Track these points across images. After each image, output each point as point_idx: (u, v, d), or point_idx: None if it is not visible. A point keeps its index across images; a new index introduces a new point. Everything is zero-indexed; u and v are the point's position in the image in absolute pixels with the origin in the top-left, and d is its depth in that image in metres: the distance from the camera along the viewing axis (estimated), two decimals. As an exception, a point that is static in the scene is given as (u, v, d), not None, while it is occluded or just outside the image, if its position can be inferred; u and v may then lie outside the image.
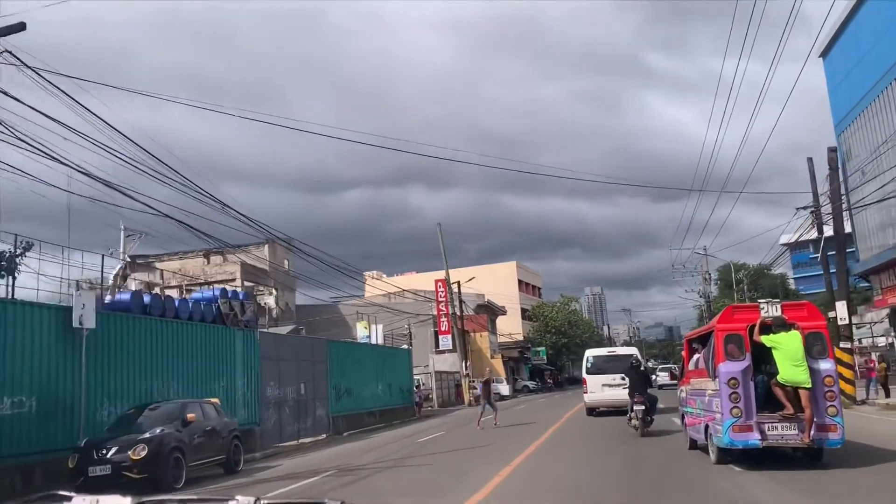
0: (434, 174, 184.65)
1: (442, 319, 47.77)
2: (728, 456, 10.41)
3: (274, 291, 44.19)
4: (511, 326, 73.40)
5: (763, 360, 10.25)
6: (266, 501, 1.75)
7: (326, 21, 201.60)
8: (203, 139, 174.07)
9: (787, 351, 9.71)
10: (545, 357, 70.49)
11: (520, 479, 11.04)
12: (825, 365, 9.89)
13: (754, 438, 9.71)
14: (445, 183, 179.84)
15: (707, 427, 10.91)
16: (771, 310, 10.20)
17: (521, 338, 73.97)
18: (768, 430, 9.75)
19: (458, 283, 44.59)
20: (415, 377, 39.07)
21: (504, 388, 53.80)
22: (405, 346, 36.32)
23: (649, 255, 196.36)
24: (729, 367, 9.93)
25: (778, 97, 24.40)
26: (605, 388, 23.13)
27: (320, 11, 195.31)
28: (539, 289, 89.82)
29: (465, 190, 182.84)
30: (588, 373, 23.95)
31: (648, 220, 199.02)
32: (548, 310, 75.09)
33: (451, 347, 47.54)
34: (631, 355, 20.98)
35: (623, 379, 19.27)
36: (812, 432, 9.52)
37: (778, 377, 9.80)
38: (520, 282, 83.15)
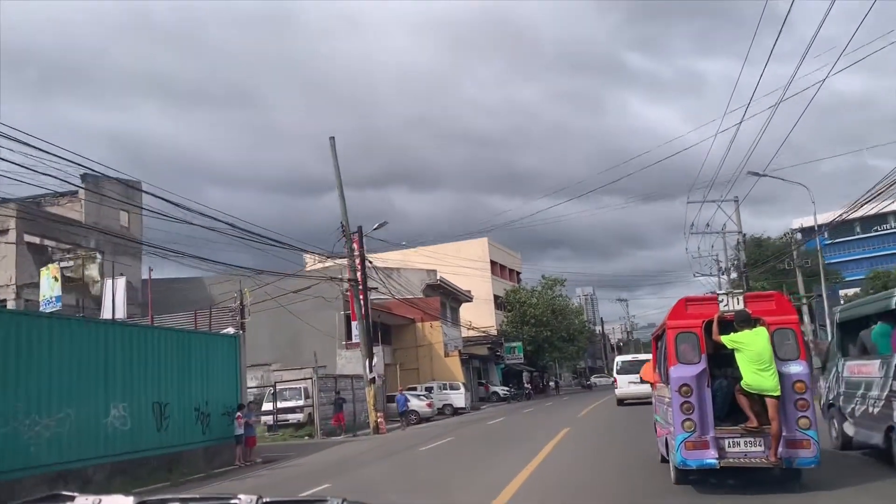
0: (417, 176, 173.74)
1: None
2: (689, 476, 8.87)
3: (98, 256, 29.46)
4: (482, 317, 58.45)
5: (726, 362, 8.82)
6: (268, 499, 1.72)
7: (300, 21, 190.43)
8: (179, 140, 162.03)
9: (751, 352, 8.31)
10: (522, 354, 55.54)
11: None
12: (796, 368, 8.40)
13: (710, 457, 8.35)
14: (430, 184, 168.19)
15: (666, 441, 9.53)
16: (732, 303, 8.82)
17: (495, 331, 58.99)
18: (728, 446, 8.42)
19: (360, 231, 28.64)
20: (295, 386, 24.08)
21: (458, 398, 38.85)
22: (230, 331, 21.15)
23: (638, 256, 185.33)
24: (680, 372, 8.56)
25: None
26: (630, 385, 28.68)
27: (294, 12, 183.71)
28: (518, 273, 74.83)
29: (449, 191, 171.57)
30: (618, 373, 31.44)
31: (637, 222, 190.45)
32: (525, 295, 60.10)
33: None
34: (649, 361, 22.77)
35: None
36: (780, 449, 8.14)
37: (741, 383, 8.40)
38: (493, 263, 68.27)
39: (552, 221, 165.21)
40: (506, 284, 67.33)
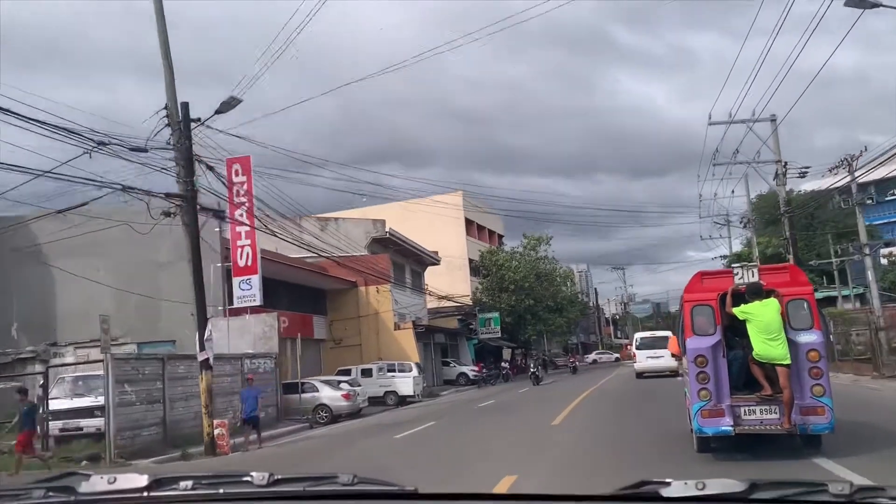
0: (408, 153, 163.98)
1: (239, 234, 22.40)
2: (711, 443, 9.06)
3: None
4: (455, 285, 48.75)
5: (743, 333, 8.96)
6: (280, 476, 1.77)
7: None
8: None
9: (760, 322, 8.58)
10: (498, 327, 45.90)
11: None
12: (809, 337, 8.65)
13: (726, 424, 8.59)
14: (422, 161, 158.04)
15: (689, 410, 9.60)
16: (747, 275, 9.08)
17: (470, 301, 49.32)
18: (744, 414, 8.68)
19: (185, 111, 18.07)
20: (95, 373, 14.51)
21: (405, 383, 29.29)
22: None
23: (632, 233, 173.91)
24: (696, 344, 8.87)
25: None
26: (648, 359, 31.20)
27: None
28: (501, 236, 64.88)
29: (441, 169, 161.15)
30: (637, 348, 33.08)
31: (630, 197, 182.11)
32: (503, 257, 50.22)
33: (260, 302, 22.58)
34: (666, 337, 29.08)
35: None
36: (793, 416, 8.35)
37: (753, 353, 8.67)
38: (469, 222, 58.40)
39: (543, 200, 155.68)
40: (484, 247, 57.53)
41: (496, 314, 46.60)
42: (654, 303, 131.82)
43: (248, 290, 22.17)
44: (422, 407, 26.56)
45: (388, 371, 31.51)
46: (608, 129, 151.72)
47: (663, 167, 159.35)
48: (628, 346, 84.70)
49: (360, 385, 25.66)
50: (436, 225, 55.29)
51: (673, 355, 22.42)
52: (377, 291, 34.97)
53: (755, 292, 8.72)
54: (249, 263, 22.31)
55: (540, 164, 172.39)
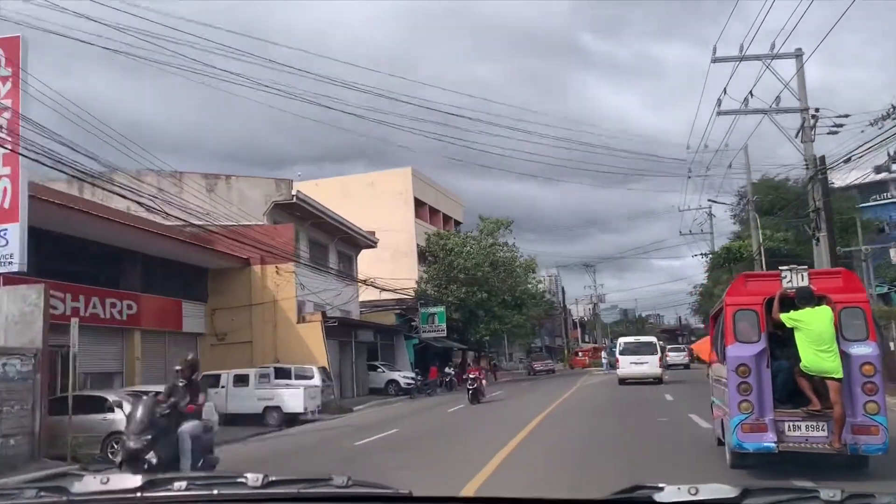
0: (377, 152, 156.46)
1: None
2: (746, 460, 8.35)
3: None
4: (402, 275, 40.67)
5: (788, 342, 8.24)
6: (275, 478, 1.79)
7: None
8: (126, 106, 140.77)
9: (810, 332, 7.85)
10: (444, 325, 37.86)
11: None
12: (863, 350, 7.89)
13: (768, 440, 7.88)
14: (389, 162, 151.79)
15: (722, 423, 9.16)
16: (796, 279, 8.37)
17: (414, 293, 41.22)
18: (788, 430, 7.96)
19: None
20: None
21: (293, 398, 21.20)
22: None
23: (601, 239, 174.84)
24: (738, 352, 8.18)
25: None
26: (632, 365, 28.90)
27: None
28: (459, 224, 56.82)
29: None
30: (621, 354, 30.03)
31: (597, 205, 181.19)
32: (454, 241, 41.98)
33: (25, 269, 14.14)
34: (651, 342, 30.52)
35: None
36: (844, 434, 7.64)
37: (800, 364, 7.94)
38: (420, 203, 50.48)
39: (517, 203, 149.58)
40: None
41: (441, 309, 38.51)
42: (623, 309, 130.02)
43: (2, 247, 13.80)
44: (286, 439, 17.98)
45: (277, 377, 23.30)
46: (580, 135, 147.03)
47: (634, 174, 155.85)
48: (580, 353, 75.92)
49: (210, 402, 17.28)
50: (382, 205, 47.31)
51: (700, 360, 18.60)
52: (277, 272, 26.68)
53: (806, 298, 8.04)
54: (7, 206, 13.93)
55: (514, 169, 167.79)
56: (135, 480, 1.77)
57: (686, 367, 44.11)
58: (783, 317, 8.04)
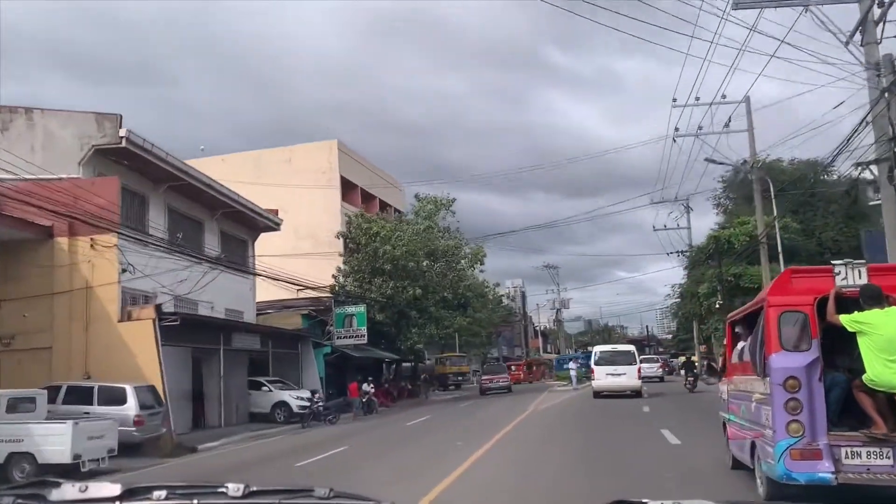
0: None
1: None
2: (785, 490, 6.63)
3: None
4: (321, 269, 32.55)
5: (840, 350, 6.94)
6: (256, 488, 1.79)
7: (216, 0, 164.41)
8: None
9: (880, 338, 6.39)
10: (364, 328, 29.69)
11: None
12: None
13: (825, 470, 6.37)
14: None
15: (754, 446, 7.49)
16: (852, 275, 6.93)
17: (331, 290, 32.96)
18: (846, 457, 6.45)
19: None
20: None
21: (56, 441, 12.53)
22: None
23: (565, 251, 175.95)
24: (785, 362, 6.69)
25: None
26: (608, 377, 26.80)
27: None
28: (400, 213, 48.36)
29: None
30: (596, 364, 27.66)
31: (563, 216, 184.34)
32: (380, 226, 33.58)
33: None
34: (629, 351, 28.32)
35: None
36: None
37: (864, 377, 6.48)
38: (346, 183, 42.44)
39: (481, 213, 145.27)
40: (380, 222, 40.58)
41: (362, 308, 30.34)
42: (587, 319, 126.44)
43: None
44: None
45: (68, 401, 15.13)
46: (543, 147, 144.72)
47: (597, 186, 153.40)
48: (515, 366, 56.05)
49: None
50: (301, 185, 39.17)
51: (713, 372, 16.84)
52: (92, 247, 18.25)
53: (875, 297, 6.61)
54: None
55: (476, 180, 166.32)
56: (113, 489, 1.78)
57: (661, 379, 40.36)
58: (844, 318, 6.58)
